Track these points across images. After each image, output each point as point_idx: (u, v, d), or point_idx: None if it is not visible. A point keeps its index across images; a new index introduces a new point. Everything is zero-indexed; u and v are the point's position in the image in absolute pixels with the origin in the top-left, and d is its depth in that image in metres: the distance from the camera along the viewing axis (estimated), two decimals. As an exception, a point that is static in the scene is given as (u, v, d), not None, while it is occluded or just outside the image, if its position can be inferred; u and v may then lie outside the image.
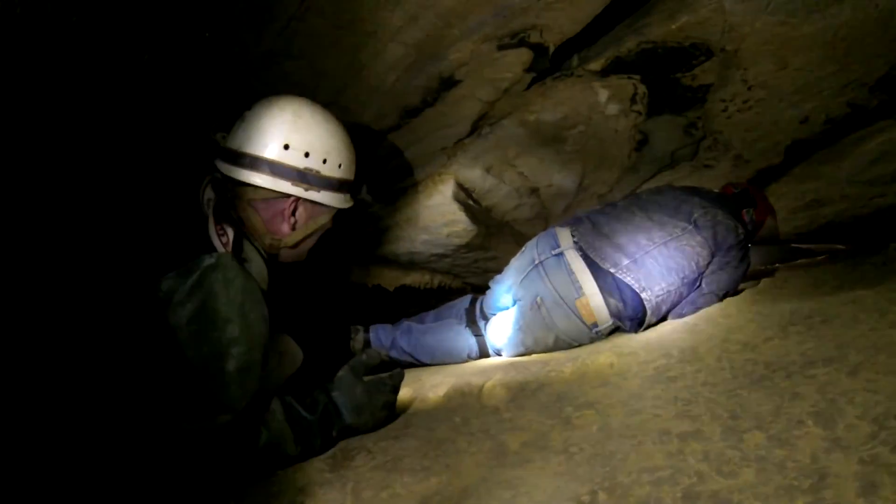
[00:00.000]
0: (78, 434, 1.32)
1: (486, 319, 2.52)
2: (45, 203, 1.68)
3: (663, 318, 2.28)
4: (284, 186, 1.55)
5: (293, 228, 1.62)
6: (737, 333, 1.69)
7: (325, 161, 1.59)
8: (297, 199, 1.59)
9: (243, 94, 1.68)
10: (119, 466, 1.29)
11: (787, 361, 1.38)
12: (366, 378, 1.57)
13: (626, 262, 2.18)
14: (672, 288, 2.18)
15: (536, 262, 2.31)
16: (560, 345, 2.24)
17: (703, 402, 1.29)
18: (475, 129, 2.41)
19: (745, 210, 2.51)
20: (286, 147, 1.55)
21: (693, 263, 2.21)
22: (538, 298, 2.24)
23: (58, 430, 1.31)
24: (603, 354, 1.88)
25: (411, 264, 3.00)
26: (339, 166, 1.63)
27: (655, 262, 2.18)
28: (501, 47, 2.00)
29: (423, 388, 1.90)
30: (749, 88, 2.30)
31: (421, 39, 1.87)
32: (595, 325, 2.17)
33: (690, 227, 2.26)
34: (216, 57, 1.73)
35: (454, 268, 3.10)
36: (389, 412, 1.61)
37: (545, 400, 1.57)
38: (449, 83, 2.11)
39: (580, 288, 2.17)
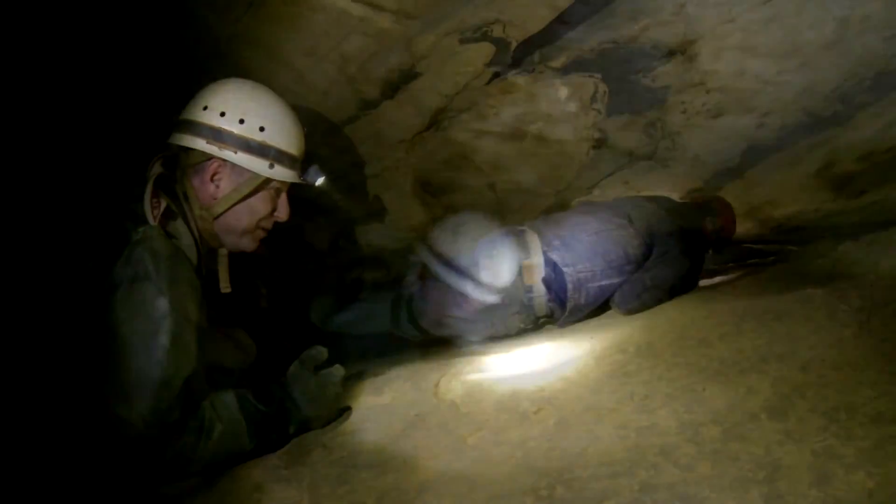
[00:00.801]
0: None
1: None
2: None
3: (599, 307, 2.41)
4: (199, 144, 1.54)
5: (215, 197, 1.59)
6: (692, 329, 1.71)
7: (241, 121, 1.56)
8: (219, 162, 1.56)
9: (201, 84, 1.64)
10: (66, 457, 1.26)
11: (742, 357, 1.40)
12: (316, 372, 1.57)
13: (556, 242, 2.39)
14: (596, 269, 2.33)
15: (500, 233, 2.50)
16: (495, 308, 2.37)
17: (660, 396, 1.30)
18: (434, 122, 2.39)
19: (708, 218, 2.62)
20: (205, 108, 1.56)
21: (621, 249, 2.37)
22: (492, 254, 2.43)
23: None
24: (559, 350, 1.88)
25: (369, 256, 2.97)
26: (261, 129, 1.58)
27: (582, 244, 2.38)
28: (463, 41, 1.98)
29: (376, 382, 1.87)
30: (707, 92, 2.33)
31: (382, 30, 1.84)
32: (530, 288, 2.37)
33: (625, 222, 2.44)
34: (172, 41, 1.68)
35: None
36: (338, 404, 1.63)
37: (502, 395, 1.56)
38: (409, 76, 2.08)
39: (528, 253, 2.40)
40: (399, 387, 1.79)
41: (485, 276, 2.39)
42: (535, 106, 2.39)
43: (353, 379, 1.86)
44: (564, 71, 2.25)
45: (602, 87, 2.34)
